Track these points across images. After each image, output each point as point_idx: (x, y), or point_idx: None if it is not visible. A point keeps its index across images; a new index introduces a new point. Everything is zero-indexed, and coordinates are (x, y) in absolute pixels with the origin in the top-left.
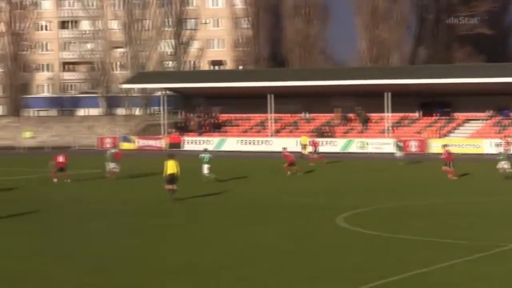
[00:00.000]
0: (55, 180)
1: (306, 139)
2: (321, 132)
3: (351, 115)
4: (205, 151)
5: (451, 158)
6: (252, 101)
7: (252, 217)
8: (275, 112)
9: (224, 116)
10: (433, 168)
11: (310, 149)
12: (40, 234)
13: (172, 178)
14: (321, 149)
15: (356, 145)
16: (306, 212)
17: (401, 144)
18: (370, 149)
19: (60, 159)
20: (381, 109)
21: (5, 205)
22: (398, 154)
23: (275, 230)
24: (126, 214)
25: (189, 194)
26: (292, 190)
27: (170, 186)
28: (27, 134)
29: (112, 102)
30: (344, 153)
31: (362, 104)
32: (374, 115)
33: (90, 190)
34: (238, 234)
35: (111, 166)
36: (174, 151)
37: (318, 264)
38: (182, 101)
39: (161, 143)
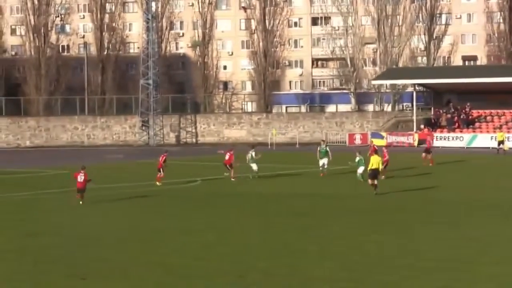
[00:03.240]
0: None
1: (503, 135)
2: None
3: None
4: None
5: None
6: (505, 97)
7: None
8: None
9: (475, 112)
10: None
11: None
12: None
13: (374, 173)
14: None
15: None
16: None
17: None
18: None
19: (227, 156)
20: None
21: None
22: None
23: None
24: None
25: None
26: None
27: (372, 181)
28: (274, 132)
29: (362, 98)
30: None
31: None
32: None
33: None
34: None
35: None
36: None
37: None
38: (433, 97)
39: (412, 139)
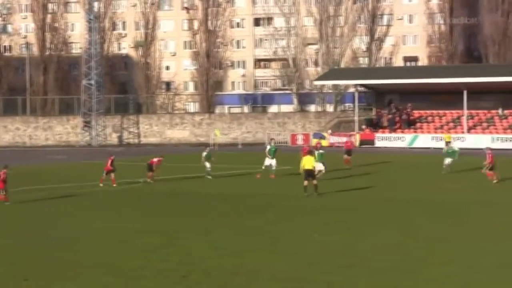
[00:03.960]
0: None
1: (450, 136)
2: None
3: None
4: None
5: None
6: (446, 97)
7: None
8: (470, 108)
9: (417, 113)
10: None
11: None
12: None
13: (309, 174)
14: None
15: None
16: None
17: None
18: None
19: (155, 159)
20: None
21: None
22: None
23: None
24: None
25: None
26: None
27: (306, 182)
28: (217, 133)
29: (305, 98)
30: None
31: None
32: None
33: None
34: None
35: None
36: (311, 146)
37: None
38: (375, 97)
39: (354, 139)
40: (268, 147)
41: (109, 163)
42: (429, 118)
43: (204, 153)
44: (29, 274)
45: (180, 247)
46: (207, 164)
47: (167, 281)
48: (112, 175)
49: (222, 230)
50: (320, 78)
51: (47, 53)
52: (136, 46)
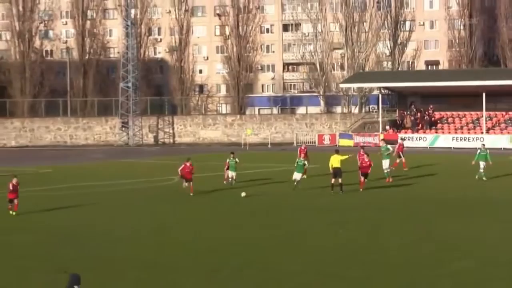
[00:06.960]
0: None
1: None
2: None
3: None
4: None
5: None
6: (465, 100)
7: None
8: (488, 110)
9: (438, 114)
10: None
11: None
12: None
13: (336, 172)
14: None
15: None
16: None
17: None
18: None
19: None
20: None
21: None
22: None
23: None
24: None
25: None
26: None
27: (334, 180)
28: (248, 132)
29: (331, 100)
30: None
31: None
32: None
33: None
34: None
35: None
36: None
37: None
38: (398, 99)
39: (377, 139)
40: (228, 160)
41: (186, 168)
42: (450, 120)
43: (228, 160)
44: (66, 267)
45: (208, 242)
46: (230, 173)
47: (198, 276)
48: (190, 183)
49: (249, 227)
50: (346, 81)
51: (87, 57)
52: (171, 51)
